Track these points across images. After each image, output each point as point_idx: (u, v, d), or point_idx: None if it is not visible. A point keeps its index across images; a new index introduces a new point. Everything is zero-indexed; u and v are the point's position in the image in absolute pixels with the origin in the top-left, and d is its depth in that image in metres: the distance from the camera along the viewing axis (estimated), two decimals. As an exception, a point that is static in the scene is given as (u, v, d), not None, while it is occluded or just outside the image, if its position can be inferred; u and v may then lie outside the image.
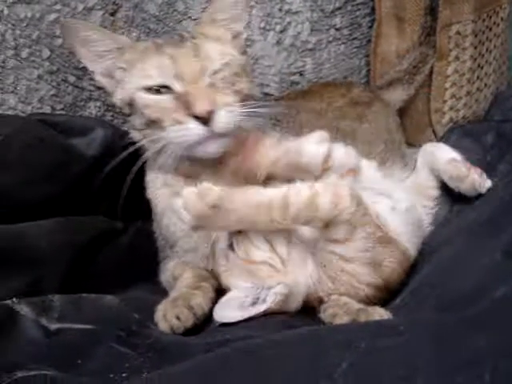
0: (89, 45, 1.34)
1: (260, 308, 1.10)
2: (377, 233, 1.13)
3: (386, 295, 1.16)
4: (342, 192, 1.09)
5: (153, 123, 1.26)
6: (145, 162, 1.34)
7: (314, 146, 1.19)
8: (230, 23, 1.40)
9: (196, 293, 1.20)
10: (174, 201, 1.26)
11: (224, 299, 1.16)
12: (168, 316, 1.13)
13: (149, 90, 1.26)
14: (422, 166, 1.48)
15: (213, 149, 1.24)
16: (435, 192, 1.45)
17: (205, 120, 1.20)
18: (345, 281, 1.13)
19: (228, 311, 1.14)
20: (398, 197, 1.30)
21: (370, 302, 1.14)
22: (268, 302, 1.10)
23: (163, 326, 1.13)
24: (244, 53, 1.42)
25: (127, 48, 1.35)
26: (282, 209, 1.07)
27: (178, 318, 1.12)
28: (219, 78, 1.27)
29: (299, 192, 1.08)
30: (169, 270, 1.37)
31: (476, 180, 1.32)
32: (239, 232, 1.16)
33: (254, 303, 1.12)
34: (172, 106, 1.24)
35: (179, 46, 1.30)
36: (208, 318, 1.17)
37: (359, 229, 1.10)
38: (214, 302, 1.20)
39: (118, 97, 1.34)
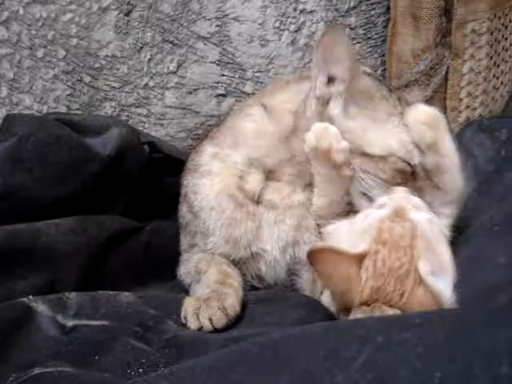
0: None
1: None
2: None
3: None
4: None
5: None
6: (163, 163, 1.33)
7: None
8: None
9: (229, 292, 1.18)
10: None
11: None
12: (201, 316, 1.11)
13: None
14: None
15: None
16: None
17: None
18: None
19: None
20: None
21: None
22: None
23: (193, 324, 1.11)
24: None
25: None
26: None
27: (210, 319, 1.11)
28: None
29: None
30: (193, 261, 1.36)
31: None
32: None
33: None
34: None
35: None
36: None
37: None
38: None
39: None
